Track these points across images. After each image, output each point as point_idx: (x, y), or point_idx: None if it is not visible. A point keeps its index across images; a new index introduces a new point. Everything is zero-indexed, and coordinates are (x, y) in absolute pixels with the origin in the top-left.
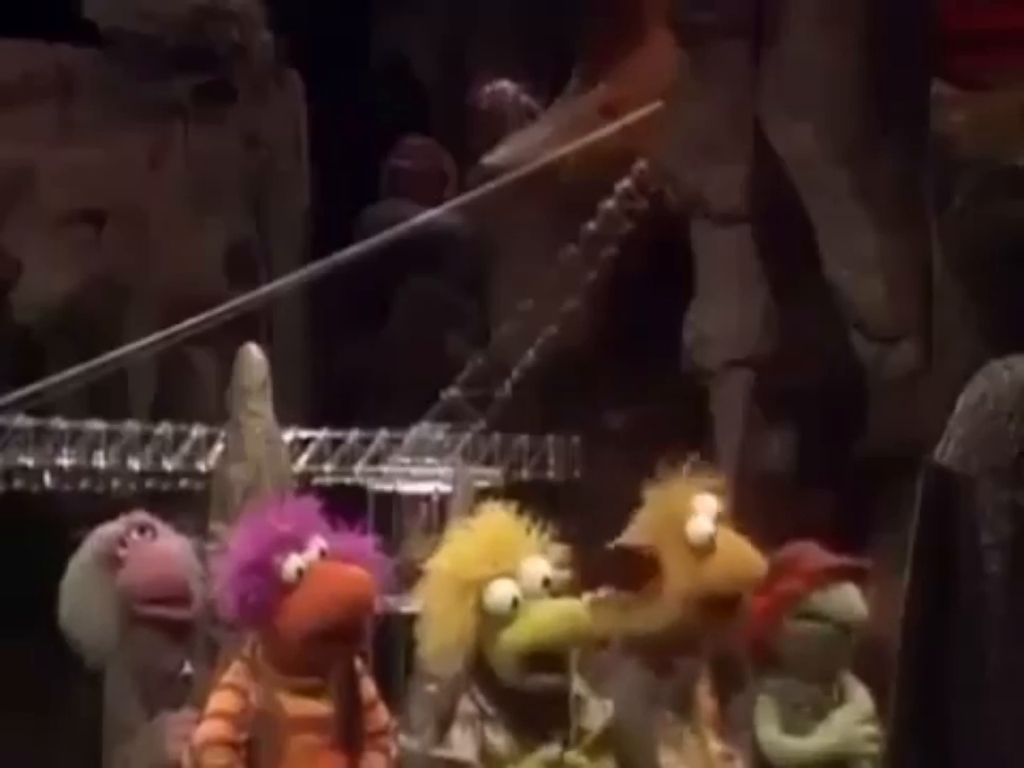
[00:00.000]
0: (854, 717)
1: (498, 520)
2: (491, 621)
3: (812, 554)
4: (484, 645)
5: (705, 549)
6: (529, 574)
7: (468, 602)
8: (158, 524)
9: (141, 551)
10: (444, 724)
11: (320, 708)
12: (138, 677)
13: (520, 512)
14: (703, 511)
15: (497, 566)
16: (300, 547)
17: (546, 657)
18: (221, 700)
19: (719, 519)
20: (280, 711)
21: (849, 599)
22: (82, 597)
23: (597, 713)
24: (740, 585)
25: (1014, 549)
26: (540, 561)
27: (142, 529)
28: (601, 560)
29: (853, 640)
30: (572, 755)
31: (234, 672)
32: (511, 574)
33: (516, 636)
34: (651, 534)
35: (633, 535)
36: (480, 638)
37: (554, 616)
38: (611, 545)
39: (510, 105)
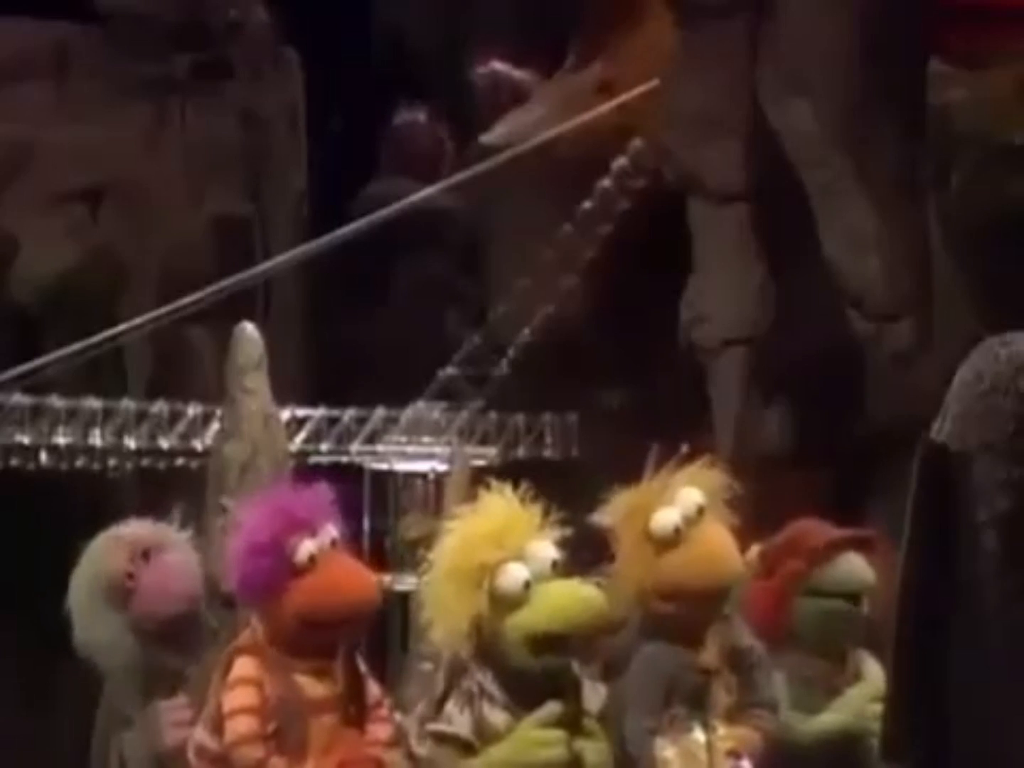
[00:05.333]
0: (867, 694)
1: (503, 502)
2: (501, 604)
3: (812, 530)
4: (493, 628)
5: (666, 542)
6: (538, 556)
7: (478, 585)
8: (159, 534)
9: (147, 580)
10: (440, 701)
11: (333, 687)
12: (142, 674)
13: (520, 493)
14: (678, 503)
15: (505, 549)
16: (313, 532)
17: (557, 638)
18: (239, 696)
19: (701, 513)
20: (300, 695)
21: (853, 569)
22: (93, 624)
23: (591, 696)
24: (705, 584)
25: (1010, 526)
26: (547, 544)
27: (145, 553)
28: (584, 536)
29: (863, 609)
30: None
31: (242, 666)
32: (519, 557)
33: (532, 617)
34: (615, 517)
35: (604, 515)
36: (489, 621)
37: (572, 599)
38: (589, 519)
39: (504, 84)
